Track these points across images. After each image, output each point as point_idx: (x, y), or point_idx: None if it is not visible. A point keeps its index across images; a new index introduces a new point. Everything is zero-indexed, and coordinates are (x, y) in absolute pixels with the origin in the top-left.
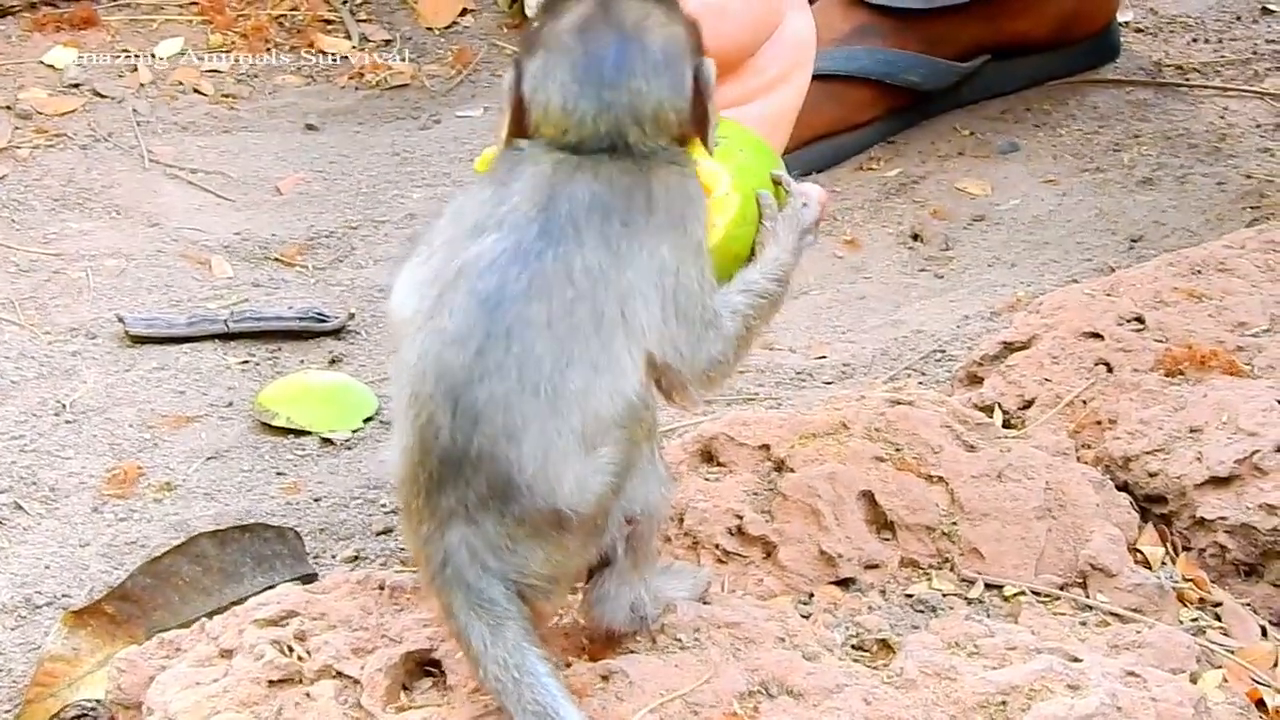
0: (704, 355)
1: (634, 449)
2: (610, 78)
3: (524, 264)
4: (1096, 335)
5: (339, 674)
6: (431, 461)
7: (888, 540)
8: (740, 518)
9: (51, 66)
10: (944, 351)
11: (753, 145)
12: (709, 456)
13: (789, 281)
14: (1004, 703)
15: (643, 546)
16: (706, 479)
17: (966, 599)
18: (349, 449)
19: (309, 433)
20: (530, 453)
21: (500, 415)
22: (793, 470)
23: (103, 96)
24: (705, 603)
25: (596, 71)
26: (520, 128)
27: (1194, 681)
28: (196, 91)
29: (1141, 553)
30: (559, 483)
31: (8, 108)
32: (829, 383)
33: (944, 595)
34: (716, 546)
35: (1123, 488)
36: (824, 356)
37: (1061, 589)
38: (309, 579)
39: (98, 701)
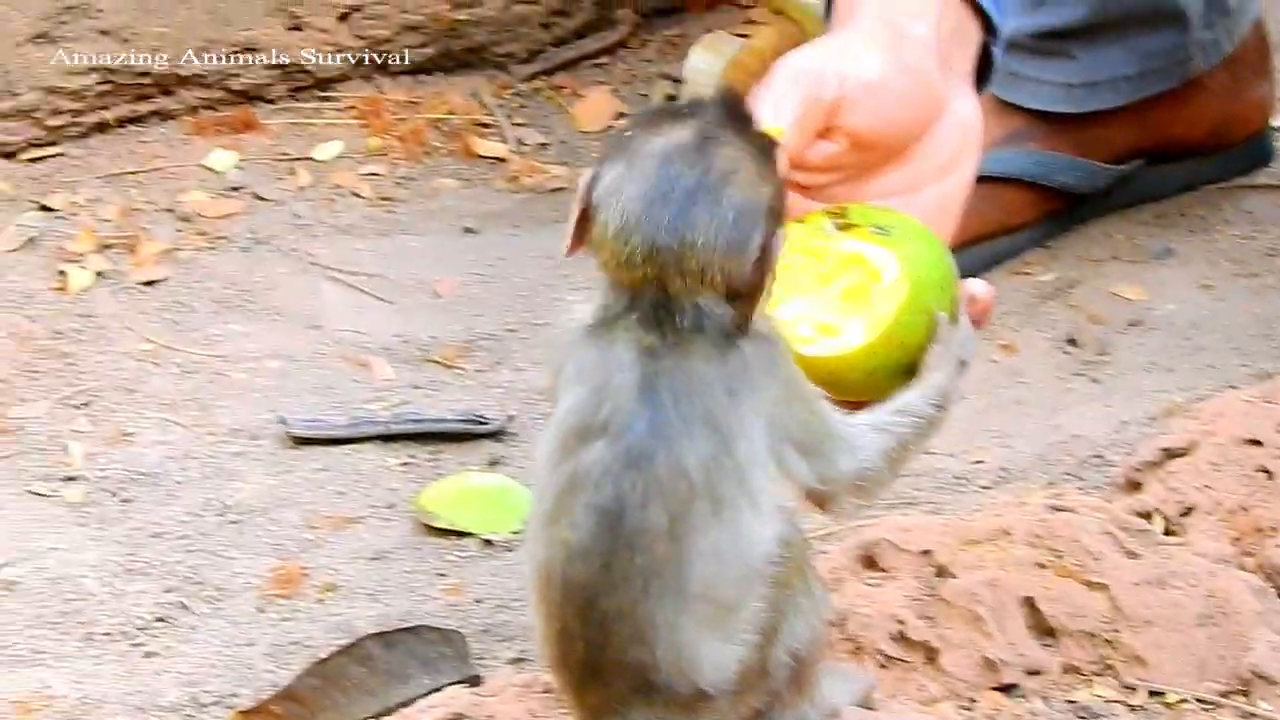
0: (845, 471)
1: (781, 594)
2: (669, 221)
3: (638, 469)
4: (1256, 442)
5: None
6: (572, 666)
7: (1049, 646)
8: (902, 623)
9: (212, 169)
10: (1101, 457)
11: (921, 235)
12: (870, 562)
13: (948, 408)
14: None
15: (806, 673)
16: (867, 584)
17: (1129, 705)
18: (510, 550)
19: (470, 534)
20: (663, 654)
21: (630, 625)
22: (954, 576)
23: (263, 199)
24: (869, 708)
25: (659, 210)
26: (583, 233)
27: None
28: (355, 194)
29: None
30: (697, 671)
31: (169, 210)
32: (987, 487)
33: (1106, 702)
34: (879, 652)
35: None
36: (981, 461)
37: (1224, 696)
38: (474, 681)
39: None
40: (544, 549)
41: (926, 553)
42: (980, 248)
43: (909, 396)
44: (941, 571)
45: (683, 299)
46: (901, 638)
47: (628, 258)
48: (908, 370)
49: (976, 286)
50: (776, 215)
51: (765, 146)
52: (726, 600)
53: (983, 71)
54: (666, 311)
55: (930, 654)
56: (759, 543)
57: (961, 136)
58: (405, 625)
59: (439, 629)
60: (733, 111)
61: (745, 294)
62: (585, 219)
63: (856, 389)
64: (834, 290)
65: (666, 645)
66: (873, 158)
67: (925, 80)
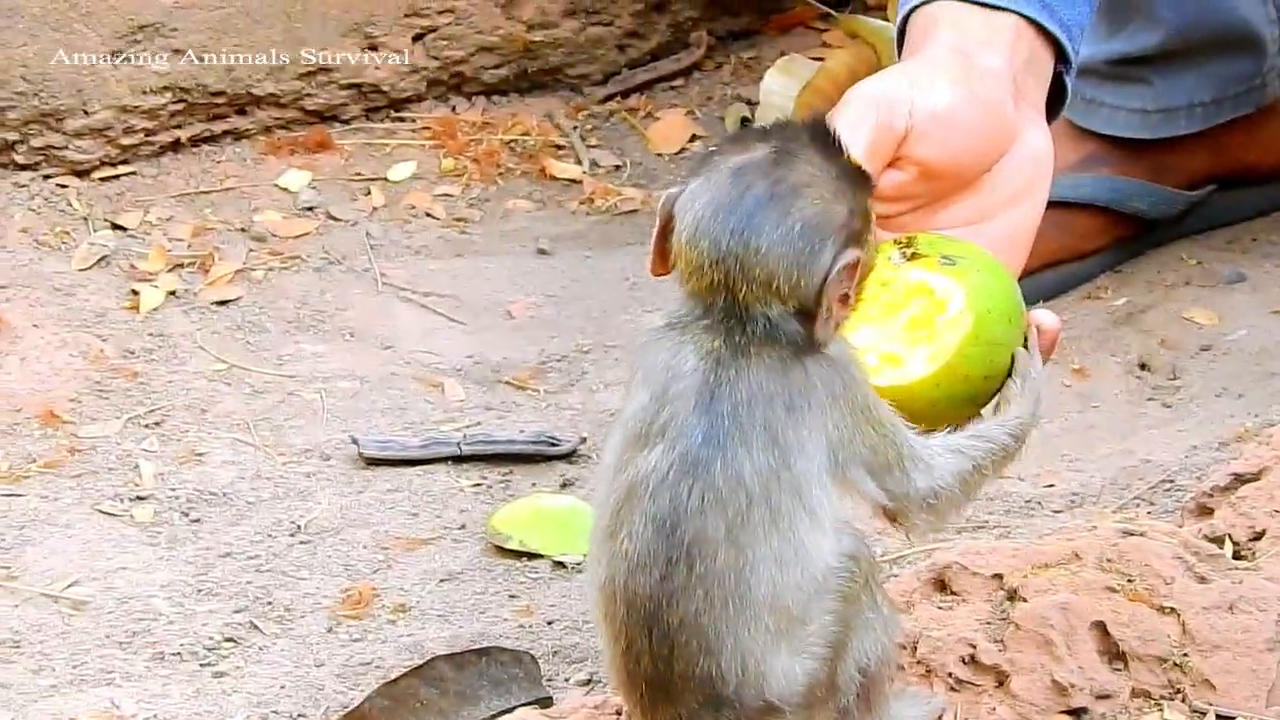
0: (917, 490)
1: (849, 608)
2: (735, 227)
3: (694, 476)
4: None
5: None
6: (640, 684)
7: (1119, 671)
8: (973, 646)
9: (286, 189)
10: (1173, 481)
11: (988, 266)
12: (942, 585)
13: (1025, 441)
14: None
15: (876, 691)
16: (939, 608)
17: None
18: (581, 573)
19: (541, 556)
20: (729, 665)
21: (694, 636)
22: (1025, 600)
23: (336, 219)
24: None
25: (727, 218)
26: (664, 246)
27: None
28: (429, 215)
29: None
30: (764, 682)
31: (243, 230)
32: (1058, 511)
33: None
34: (949, 675)
35: None
36: (1052, 485)
37: None
38: (544, 703)
39: None
40: (605, 566)
41: (998, 576)
42: (1053, 272)
43: (988, 424)
44: (1013, 595)
45: (752, 307)
46: (972, 661)
47: (698, 263)
48: (971, 400)
49: (1044, 317)
50: (854, 237)
51: (848, 169)
52: (791, 610)
53: (1055, 100)
54: (736, 320)
55: (1001, 677)
56: (820, 555)
57: (1032, 167)
58: (476, 647)
59: (510, 650)
60: (818, 134)
61: (814, 311)
62: (666, 233)
63: (920, 418)
64: (900, 320)
65: (732, 655)
66: (942, 187)
67: (996, 111)
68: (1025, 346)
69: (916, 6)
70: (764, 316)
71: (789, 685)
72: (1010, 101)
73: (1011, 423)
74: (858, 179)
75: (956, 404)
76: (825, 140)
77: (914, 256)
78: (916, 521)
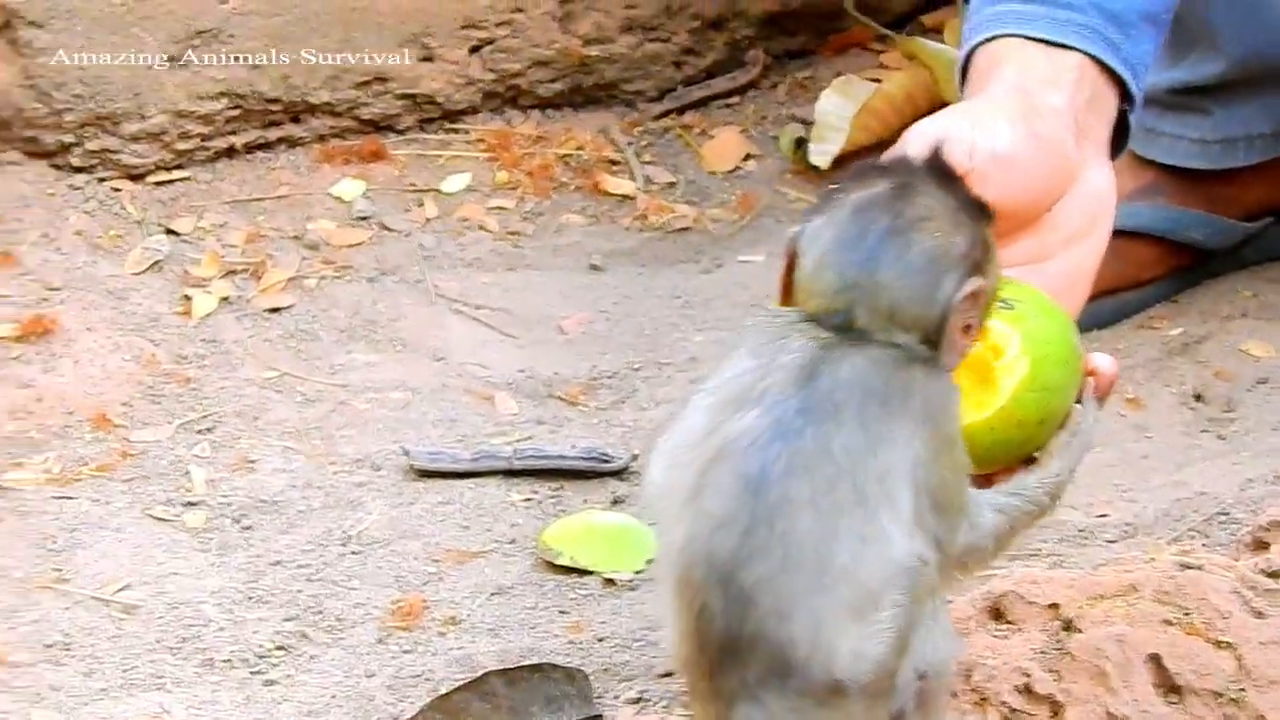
0: (959, 544)
1: (915, 608)
2: (858, 260)
3: (784, 441)
4: None
5: None
6: (709, 648)
7: (1175, 704)
8: (1028, 676)
9: (339, 198)
10: (1227, 514)
11: (1045, 310)
12: (997, 614)
13: (1061, 498)
14: None
15: (932, 704)
16: (994, 636)
17: None
18: (631, 590)
19: (592, 572)
20: (802, 631)
21: (770, 597)
22: (1081, 631)
23: (389, 230)
24: None
25: (850, 251)
26: (790, 282)
27: None
28: (482, 228)
29: None
30: (834, 656)
31: (296, 238)
32: (1111, 541)
33: None
34: (1003, 704)
35: None
36: (1106, 515)
37: None
38: None
39: None
40: (685, 526)
41: (1054, 606)
42: (1108, 301)
43: (1028, 480)
44: (1068, 625)
45: (873, 337)
46: (1026, 690)
47: (820, 291)
48: (1024, 445)
49: (1101, 362)
50: (976, 266)
51: (968, 200)
52: (867, 587)
53: (1119, 136)
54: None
55: (1055, 708)
56: (898, 543)
57: (1093, 206)
58: (527, 662)
59: (563, 667)
60: (936, 167)
61: (937, 341)
62: (791, 268)
63: (974, 463)
64: None
65: (806, 622)
66: (1002, 227)
67: (1058, 151)
68: (1080, 392)
69: (981, 43)
70: (886, 342)
71: (857, 665)
72: (1072, 141)
73: (1051, 481)
74: (977, 209)
75: (1009, 449)
76: (943, 173)
77: None
78: (945, 573)
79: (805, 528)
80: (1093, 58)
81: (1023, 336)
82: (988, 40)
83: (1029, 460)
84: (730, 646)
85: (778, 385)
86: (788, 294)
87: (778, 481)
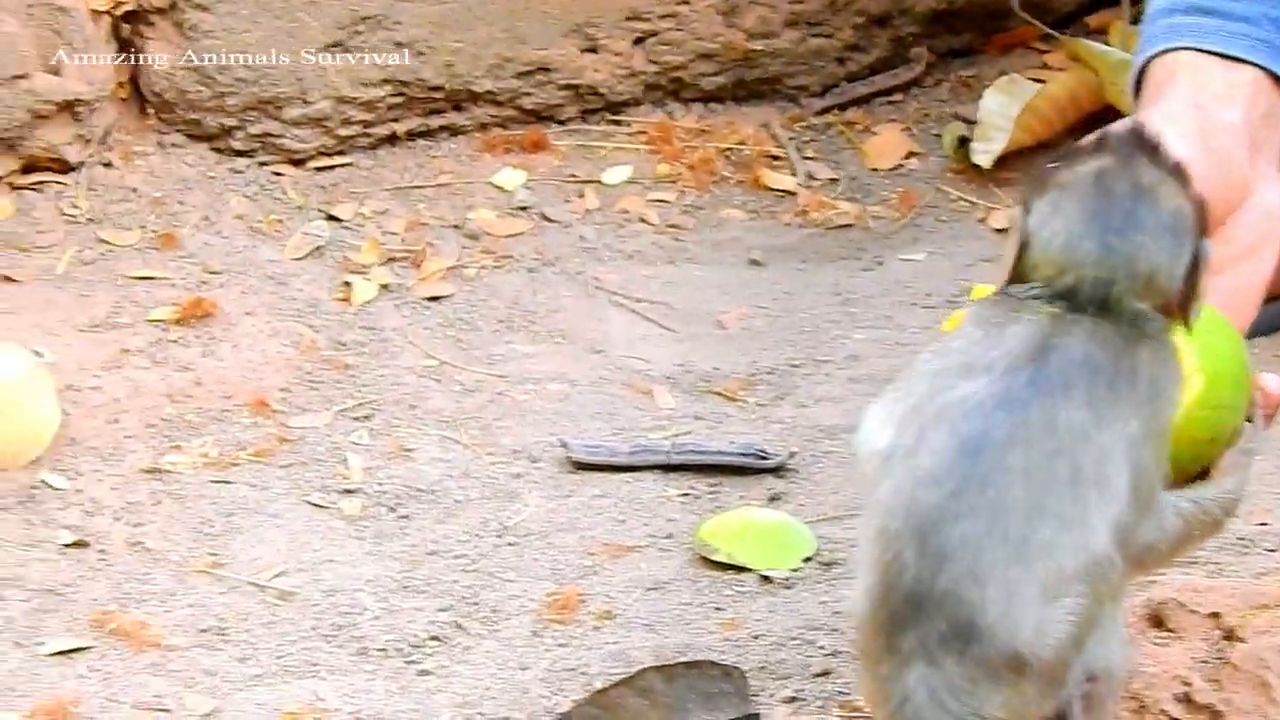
0: (1142, 538)
1: (1097, 606)
2: (1119, 225)
3: (1009, 410)
4: None
5: None
6: (894, 600)
7: None
8: (1188, 685)
9: (500, 188)
10: None
11: (1218, 327)
12: (1158, 621)
13: (1234, 515)
14: None
15: (1099, 708)
16: (1154, 643)
17: None
18: (788, 588)
19: (748, 569)
20: (993, 596)
21: (968, 557)
22: (1243, 640)
23: (550, 220)
24: None
25: (1107, 216)
26: (1020, 265)
27: None
28: (643, 220)
29: None
30: (1020, 627)
31: (456, 227)
32: (1272, 550)
33: None
34: (1163, 712)
35: None
36: (1266, 523)
37: None
38: (752, 719)
39: None
40: (895, 479)
41: (1215, 615)
42: (1269, 307)
43: (1206, 493)
44: (1230, 635)
45: (1124, 303)
46: (1187, 699)
47: (1077, 262)
48: (1194, 462)
49: (1271, 382)
50: (1202, 227)
51: (1177, 169)
52: (1063, 569)
53: None
54: (1091, 308)
55: (1215, 717)
56: (1097, 535)
57: (1264, 223)
58: (682, 658)
59: (720, 664)
60: (1141, 141)
61: (1181, 300)
62: (1023, 247)
63: None
64: None
65: (998, 588)
66: None
67: (1231, 167)
68: (1250, 410)
69: (1155, 55)
70: (1131, 309)
71: (1040, 641)
72: (1245, 157)
73: (1226, 496)
74: (1185, 175)
75: (1179, 465)
76: (1151, 147)
77: None
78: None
79: (1014, 498)
80: (1268, 72)
81: (1198, 354)
82: (1162, 53)
83: (1197, 477)
84: (917, 601)
85: (1009, 357)
86: (1012, 275)
87: (996, 448)
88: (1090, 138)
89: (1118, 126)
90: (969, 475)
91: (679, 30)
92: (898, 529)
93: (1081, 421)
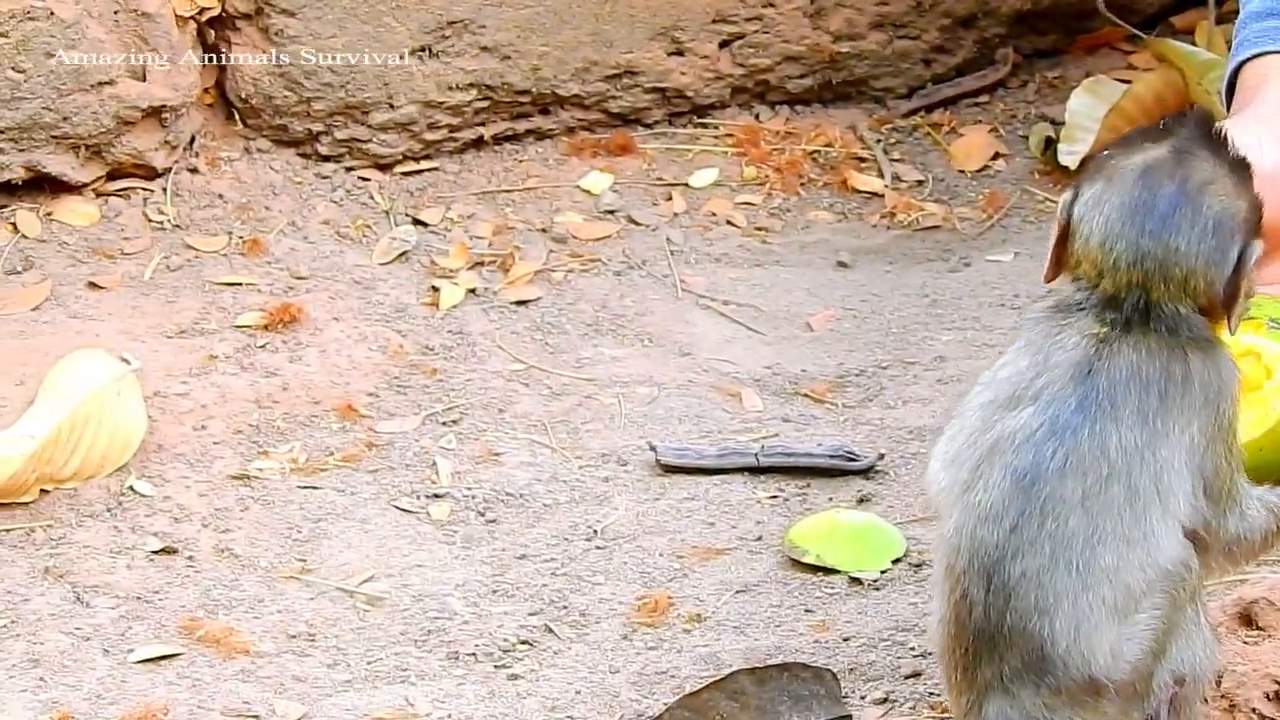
0: (1228, 532)
1: (1175, 612)
2: (1152, 227)
3: (1060, 440)
4: None
5: None
6: (967, 637)
7: None
8: (1279, 683)
9: (588, 191)
10: None
11: None
12: (1248, 620)
13: None
14: None
15: (1186, 710)
16: (1245, 642)
17: None
18: (877, 590)
19: (838, 571)
20: (1062, 628)
21: (1033, 591)
22: None
23: (637, 224)
24: None
25: (1142, 217)
26: (1063, 252)
27: None
28: (729, 223)
29: None
30: (1093, 654)
31: (543, 230)
32: None
33: None
34: (1254, 711)
35: None
36: None
37: None
38: None
39: None
40: (956, 516)
41: None
42: None
43: None
44: None
45: (1162, 304)
46: (1278, 698)
47: (1112, 266)
48: None
49: None
50: (1252, 228)
51: (1237, 163)
52: (1131, 589)
53: None
54: (1132, 311)
55: None
56: (1164, 547)
57: None
58: (773, 661)
59: (811, 666)
60: (1205, 131)
61: (1225, 302)
62: (1064, 239)
63: None
64: None
65: (1067, 619)
66: (1270, 245)
67: None
68: None
69: (1247, 59)
70: (1172, 312)
71: (1114, 664)
72: None
73: None
74: (1244, 169)
75: (1273, 470)
76: (1214, 137)
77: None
78: (1211, 562)
79: (1073, 526)
80: None
81: None
82: (1255, 56)
83: None
84: (988, 638)
85: (1055, 383)
86: (1058, 265)
87: (1050, 479)
88: (1156, 123)
89: (1184, 115)
90: (1025, 509)
91: (765, 33)
92: (963, 567)
93: (1134, 440)
